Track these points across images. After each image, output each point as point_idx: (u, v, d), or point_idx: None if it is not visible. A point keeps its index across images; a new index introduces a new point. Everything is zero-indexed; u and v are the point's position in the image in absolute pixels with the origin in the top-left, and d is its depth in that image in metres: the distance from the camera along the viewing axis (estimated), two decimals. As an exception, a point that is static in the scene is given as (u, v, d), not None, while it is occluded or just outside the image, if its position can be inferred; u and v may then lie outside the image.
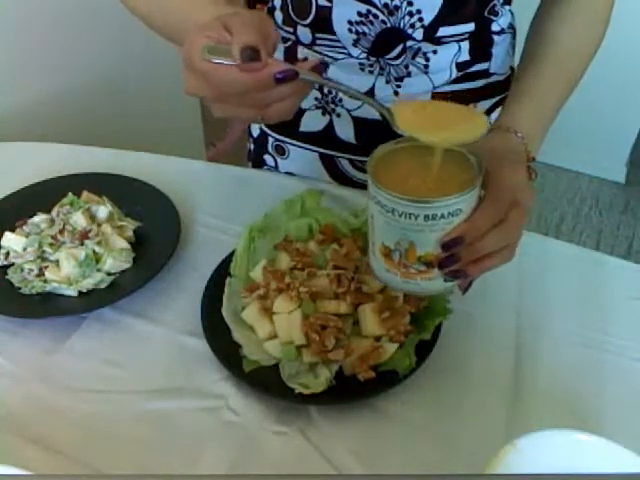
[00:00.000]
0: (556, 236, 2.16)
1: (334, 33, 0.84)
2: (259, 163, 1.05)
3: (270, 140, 1.01)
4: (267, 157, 1.04)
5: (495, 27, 0.87)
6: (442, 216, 0.57)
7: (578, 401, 0.69)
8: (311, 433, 0.66)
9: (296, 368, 0.69)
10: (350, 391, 0.69)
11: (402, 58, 0.84)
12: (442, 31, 0.82)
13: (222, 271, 0.79)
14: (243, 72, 0.56)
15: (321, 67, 0.62)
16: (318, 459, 0.65)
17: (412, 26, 0.81)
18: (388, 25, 0.81)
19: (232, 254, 0.80)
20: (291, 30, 0.88)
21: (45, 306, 0.78)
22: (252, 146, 1.07)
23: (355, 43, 0.84)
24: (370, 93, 0.88)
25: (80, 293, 0.79)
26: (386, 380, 0.69)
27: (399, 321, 0.71)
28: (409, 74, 0.86)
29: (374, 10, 0.80)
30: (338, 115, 0.93)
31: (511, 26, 0.91)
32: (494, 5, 0.84)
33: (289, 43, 0.91)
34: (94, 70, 1.46)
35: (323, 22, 0.83)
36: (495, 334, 0.76)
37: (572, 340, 0.75)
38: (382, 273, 0.63)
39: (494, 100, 0.93)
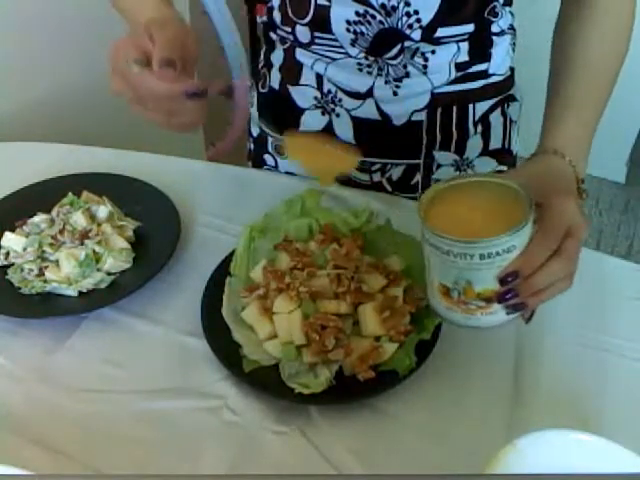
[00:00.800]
0: (556, 236, 2.15)
1: (332, 33, 0.84)
2: (259, 163, 1.05)
3: (270, 140, 1.01)
4: (267, 157, 1.04)
5: (495, 28, 0.87)
6: (497, 254, 0.57)
7: (578, 401, 0.69)
8: (311, 433, 0.66)
9: (296, 368, 0.69)
10: (350, 391, 0.69)
11: (400, 58, 0.84)
12: (441, 32, 0.82)
13: (222, 271, 0.79)
14: (159, 81, 0.64)
15: (230, 90, 0.69)
16: (318, 459, 0.65)
17: (410, 26, 0.80)
18: (386, 25, 0.81)
19: (232, 254, 0.80)
20: (289, 30, 0.88)
21: (45, 306, 0.78)
22: (252, 146, 1.07)
23: (353, 43, 0.84)
24: (369, 93, 0.88)
25: (80, 293, 0.79)
26: (386, 380, 0.69)
27: (399, 321, 0.71)
28: (408, 74, 0.86)
29: (371, 10, 0.80)
30: (337, 115, 0.93)
31: (511, 27, 0.91)
32: (494, 6, 0.84)
33: (287, 44, 0.91)
34: (94, 70, 1.45)
35: (321, 21, 0.83)
36: (495, 334, 0.76)
37: (572, 340, 0.75)
38: (442, 311, 0.63)
39: (493, 101, 0.93)
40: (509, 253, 0.58)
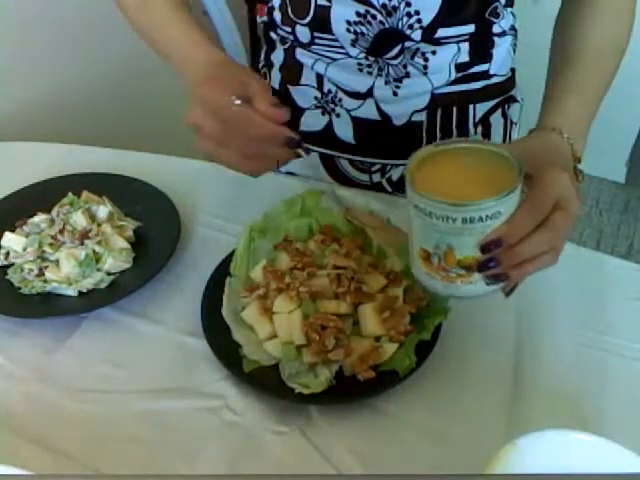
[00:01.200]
0: (556, 236, 2.15)
1: (332, 33, 0.84)
2: None
3: None
4: None
5: (496, 29, 0.86)
6: (480, 219, 0.56)
7: (578, 401, 0.69)
8: (311, 433, 0.66)
9: (296, 368, 0.69)
10: (350, 391, 0.69)
11: (400, 58, 0.84)
12: (441, 32, 0.82)
13: (222, 271, 0.79)
14: (266, 120, 0.65)
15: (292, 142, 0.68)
16: (318, 459, 0.65)
17: (410, 27, 0.80)
18: (386, 26, 0.81)
19: (232, 254, 0.80)
20: (289, 30, 0.88)
21: (45, 306, 0.78)
22: None
23: (353, 43, 0.84)
24: (369, 93, 0.88)
25: (80, 293, 0.79)
26: (386, 380, 0.69)
27: (399, 321, 0.71)
28: (408, 75, 0.86)
29: (372, 11, 0.80)
30: (337, 115, 0.93)
31: (512, 28, 0.91)
32: (495, 7, 0.84)
33: (287, 44, 0.91)
34: (94, 70, 1.46)
35: (322, 22, 0.83)
36: (495, 334, 0.76)
37: (572, 340, 0.75)
38: (422, 277, 0.63)
39: (494, 102, 0.93)
40: (493, 220, 0.56)
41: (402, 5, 0.79)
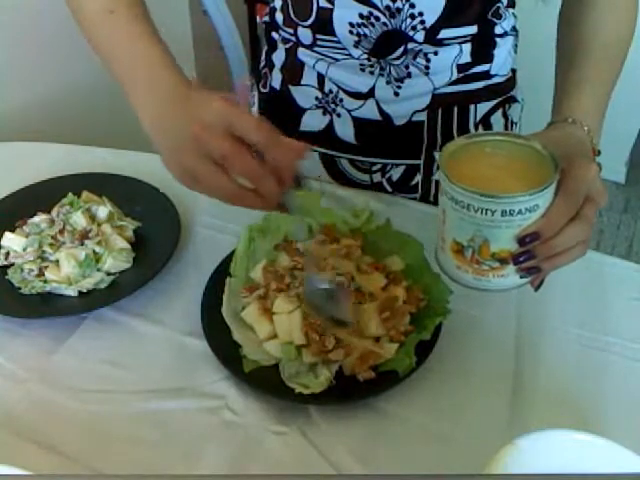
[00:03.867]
0: (556, 236, 2.15)
1: (335, 35, 0.84)
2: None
3: None
4: None
5: (498, 30, 0.86)
6: (519, 212, 0.56)
7: (578, 401, 0.69)
8: (311, 433, 0.66)
9: (296, 368, 0.69)
10: (350, 391, 0.69)
11: (403, 59, 0.84)
12: (444, 33, 0.82)
13: (222, 271, 0.79)
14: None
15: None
16: (318, 459, 0.65)
17: (413, 28, 0.80)
18: (389, 27, 0.81)
19: (232, 254, 0.80)
20: (291, 31, 0.88)
21: (45, 306, 0.78)
22: None
23: (356, 44, 0.84)
24: (370, 93, 0.88)
25: (80, 293, 0.79)
26: (386, 380, 0.69)
27: (399, 321, 0.71)
28: (409, 75, 0.86)
29: (376, 12, 0.80)
30: (338, 115, 0.93)
31: (514, 28, 0.91)
32: (498, 7, 0.84)
33: (290, 44, 0.91)
34: (94, 70, 1.45)
35: (324, 23, 0.83)
36: (495, 334, 0.76)
37: (572, 340, 0.75)
38: (452, 270, 0.62)
39: (494, 102, 0.92)
40: (531, 213, 0.56)
41: (406, 7, 0.79)
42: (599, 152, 0.68)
